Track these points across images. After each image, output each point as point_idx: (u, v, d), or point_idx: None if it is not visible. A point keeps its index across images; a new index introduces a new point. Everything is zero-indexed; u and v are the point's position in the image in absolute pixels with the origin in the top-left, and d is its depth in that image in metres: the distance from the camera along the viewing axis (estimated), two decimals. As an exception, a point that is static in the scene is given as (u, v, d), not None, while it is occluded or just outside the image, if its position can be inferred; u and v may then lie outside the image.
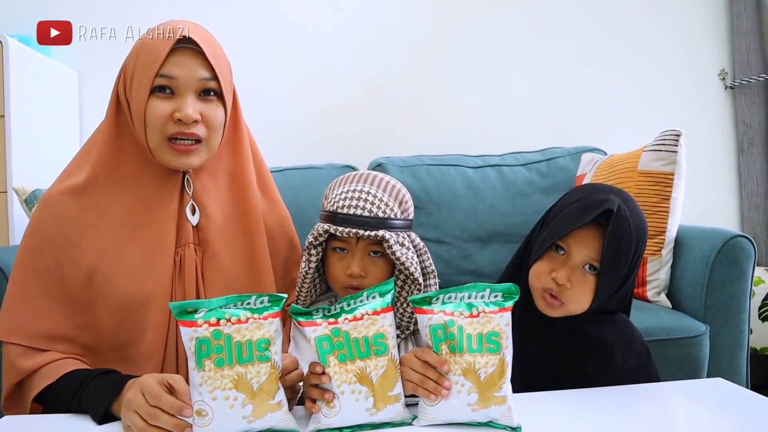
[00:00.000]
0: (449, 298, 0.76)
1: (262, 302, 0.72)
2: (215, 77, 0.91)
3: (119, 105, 0.95)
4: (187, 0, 2.09)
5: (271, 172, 1.16)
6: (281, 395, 0.72)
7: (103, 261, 0.91)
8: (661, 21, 2.26)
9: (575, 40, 2.23)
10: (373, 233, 0.90)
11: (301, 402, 0.83)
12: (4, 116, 1.62)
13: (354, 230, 0.90)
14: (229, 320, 0.70)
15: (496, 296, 0.76)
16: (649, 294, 1.58)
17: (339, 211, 0.93)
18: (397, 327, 0.95)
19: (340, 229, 0.91)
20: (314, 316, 0.74)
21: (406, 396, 0.78)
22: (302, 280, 0.98)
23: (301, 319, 0.74)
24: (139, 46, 0.92)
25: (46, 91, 1.85)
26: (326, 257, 0.98)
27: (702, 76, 2.28)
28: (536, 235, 0.96)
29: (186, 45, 0.89)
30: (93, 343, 0.92)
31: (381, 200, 0.95)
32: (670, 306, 1.57)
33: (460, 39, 2.20)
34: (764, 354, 1.90)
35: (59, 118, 1.94)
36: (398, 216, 0.96)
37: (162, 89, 0.89)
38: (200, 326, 0.69)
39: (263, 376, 0.70)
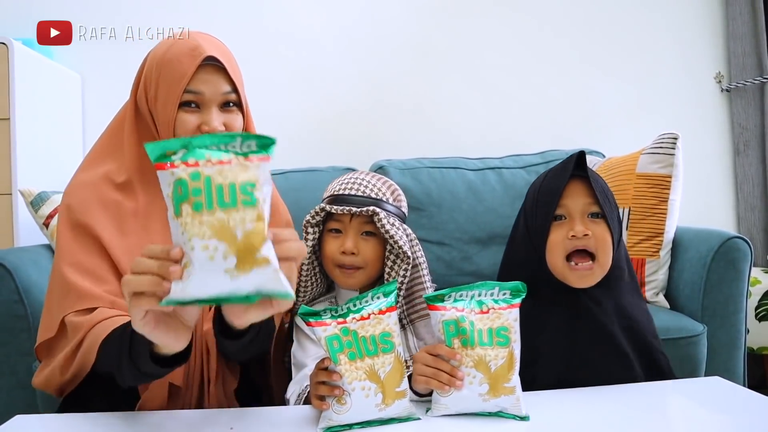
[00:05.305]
0: (461, 296, 0.80)
1: (249, 146, 0.60)
2: (235, 89, 0.98)
3: (138, 112, 0.99)
4: (188, 2, 2.11)
5: (273, 174, 1.18)
6: (269, 250, 0.59)
7: None
8: (658, 25, 2.28)
9: (573, 44, 2.25)
10: (364, 209, 0.98)
11: (306, 402, 0.85)
12: (9, 119, 1.63)
13: (347, 207, 0.98)
14: (209, 161, 0.59)
15: (504, 294, 0.80)
16: (648, 295, 1.60)
17: (335, 193, 1.04)
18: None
19: (335, 207, 0.99)
20: (323, 317, 0.76)
21: (419, 394, 0.81)
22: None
23: (310, 319, 0.76)
24: (160, 61, 0.96)
25: (49, 94, 1.86)
26: (322, 241, 1.05)
27: (698, 79, 2.29)
28: (520, 230, 0.99)
29: (209, 62, 0.95)
30: None
31: (374, 185, 1.05)
32: (668, 306, 1.59)
33: (460, 43, 2.22)
34: (761, 353, 1.92)
35: (63, 119, 1.95)
36: (389, 201, 1.04)
37: (188, 104, 0.95)
38: (177, 167, 0.58)
39: (249, 224, 0.58)
